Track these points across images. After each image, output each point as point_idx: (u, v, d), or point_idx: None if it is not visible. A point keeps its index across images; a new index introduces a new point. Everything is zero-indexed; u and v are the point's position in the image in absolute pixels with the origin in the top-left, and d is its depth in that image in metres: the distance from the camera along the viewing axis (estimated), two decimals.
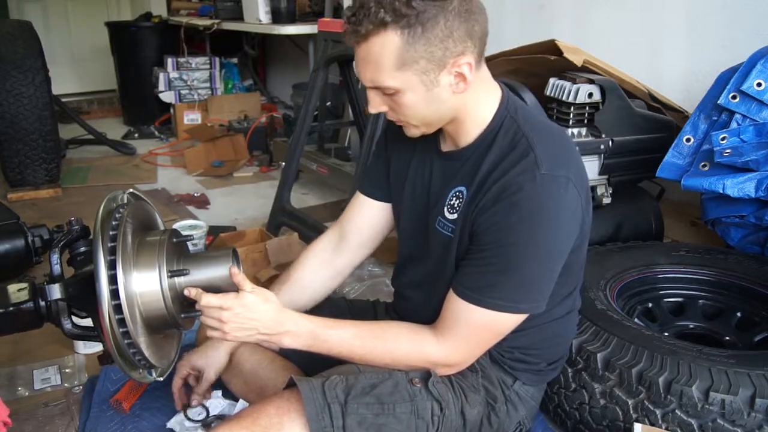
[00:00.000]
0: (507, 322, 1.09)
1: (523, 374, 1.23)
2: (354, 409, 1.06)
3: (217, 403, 1.44)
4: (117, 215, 1.07)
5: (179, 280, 1.09)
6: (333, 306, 1.42)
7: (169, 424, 1.43)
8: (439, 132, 1.19)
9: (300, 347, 1.13)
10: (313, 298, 1.38)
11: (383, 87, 1.04)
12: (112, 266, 1.00)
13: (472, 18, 1.00)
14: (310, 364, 1.40)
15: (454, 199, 1.14)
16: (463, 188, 1.12)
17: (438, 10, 0.97)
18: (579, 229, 1.10)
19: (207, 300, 1.07)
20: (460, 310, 1.08)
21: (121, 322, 1.01)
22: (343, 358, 1.14)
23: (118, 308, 1.01)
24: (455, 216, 1.13)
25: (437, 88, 1.04)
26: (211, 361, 1.37)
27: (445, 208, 1.15)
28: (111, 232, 1.03)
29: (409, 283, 1.31)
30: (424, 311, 1.21)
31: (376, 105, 1.09)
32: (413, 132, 1.13)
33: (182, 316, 1.11)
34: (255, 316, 1.09)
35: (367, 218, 1.36)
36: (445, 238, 1.15)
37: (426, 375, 1.14)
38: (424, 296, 1.25)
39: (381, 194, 1.35)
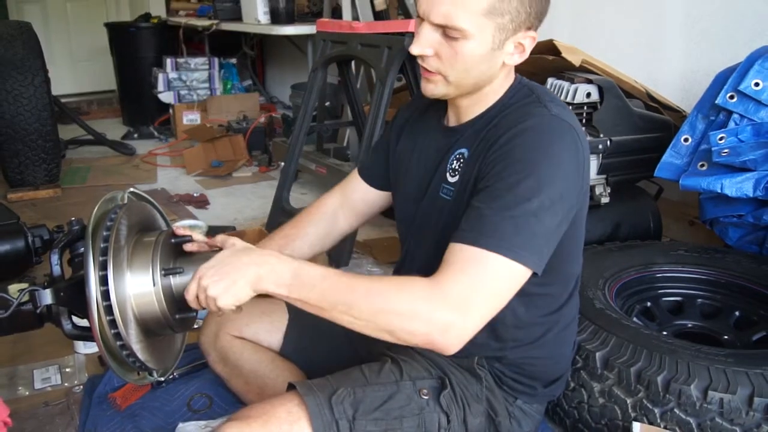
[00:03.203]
0: (507, 269, 0.94)
1: (522, 396, 1.21)
2: (362, 426, 1.04)
3: None
4: (112, 216, 1.06)
5: (175, 282, 1.08)
6: None
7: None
8: (444, 110, 1.19)
9: (281, 289, 0.98)
10: (311, 252, 1.38)
11: (455, 27, 0.97)
12: (103, 268, 0.99)
13: (549, 3, 1.03)
14: (311, 365, 1.40)
15: (455, 162, 1.12)
16: (464, 150, 1.11)
17: None
18: (580, 189, 1.04)
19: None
20: (456, 251, 0.96)
21: (113, 324, 1.00)
22: (324, 304, 0.96)
23: (109, 310, 1.00)
24: (456, 179, 1.11)
25: (499, 51, 1.02)
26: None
27: (447, 173, 1.13)
28: (104, 233, 1.02)
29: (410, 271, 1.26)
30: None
31: (424, 44, 1.01)
32: (437, 90, 1.07)
33: (177, 316, 1.10)
34: (231, 266, 0.99)
35: (363, 196, 1.38)
36: (446, 204, 1.13)
37: (436, 386, 1.13)
38: (416, 267, 1.21)
39: (377, 183, 1.37)
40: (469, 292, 0.93)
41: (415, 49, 1.02)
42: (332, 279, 0.96)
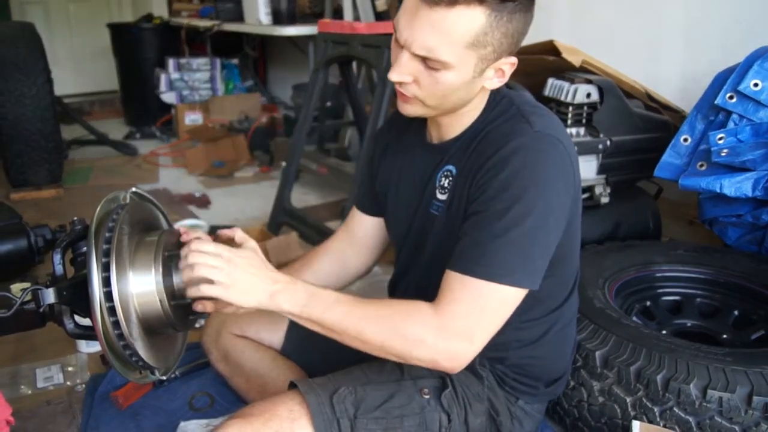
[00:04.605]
0: (504, 294, 0.99)
1: (524, 396, 1.22)
2: (363, 425, 1.05)
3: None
4: (114, 215, 1.06)
5: (177, 280, 1.09)
6: None
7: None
8: (424, 127, 1.18)
9: (295, 308, 1.02)
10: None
11: (437, 59, 0.95)
12: (105, 267, 0.99)
13: (530, 22, 1.01)
14: (312, 364, 1.41)
15: (444, 179, 1.12)
16: (452, 167, 1.11)
17: (528, 5, 0.97)
18: (571, 200, 1.05)
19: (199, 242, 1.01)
20: (454, 281, 1.00)
21: (116, 324, 1.00)
22: (336, 328, 1.01)
23: (112, 310, 1.00)
24: (446, 196, 1.12)
25: (479, 78, 1.01)
26: None
27: (437, 190, 1.14)
28: (107, 234, 1.03)
29: (407, 288, 1.29)
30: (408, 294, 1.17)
31: (404, 72, 0.99)
32: (414, 111, 1.06)
33: (179, 316, 1.10)
34: (255, 268, 1.02)
35: (366, 229, 1.37)
36: (437, 219, 1.14)
37: (437, 385, 1.13)
38: (413, 283, 1.24)
39: (375, 211, 1.35)
40: (472, 323, 0.98)
41: (394, 76, 1.00)
42: (345, 305, 1.00)
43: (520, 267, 0.98)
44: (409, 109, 1.06)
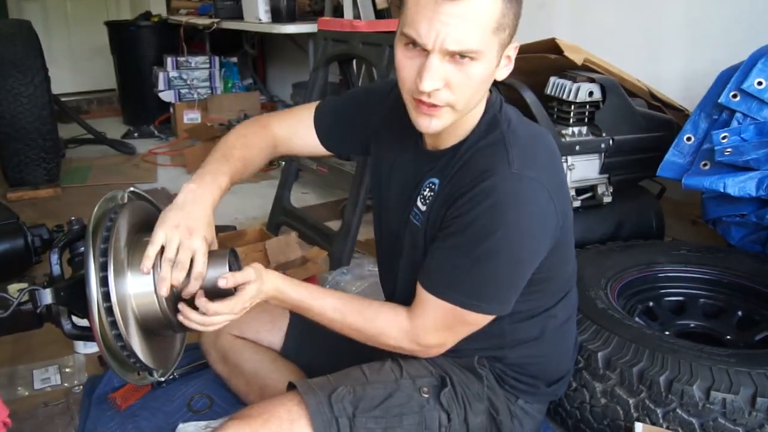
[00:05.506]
0: (474, 317, 1.07)
1: (524, 395, 1.22)
2: (362, 423, 1.06)
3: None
4: (112, 215, 1.06)
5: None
6: None
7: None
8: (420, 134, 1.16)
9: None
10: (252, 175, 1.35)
11: (468, 51, 0.93)
12: (103, 268, 0.99)
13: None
14: (311, 364, 1.40)
15: (427, 190, 1.13)
16: (436, 180, 1.11)
17: None
18: (551, 238, 1.06)
19: (214, 309, 1.04)
20: (426, 298, 1.07)
21: (113, 324, 1.00)
22: (326, 328, 1.17)
23: (109, 311, 0.99)
24: (425, 208, 1.12)
25: (495, 68, 1.00)
26: (194, 222, 1.09)
27: (419, 199, 1.14)
28: (105, 234, 1.02)
29: (387, 282, 1.32)
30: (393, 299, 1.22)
31: (437, 77, 0.95)
32: (440, 124, 1.02)
33: (178, 316, 1.09)
34: (255, 299, 1.09)
35: (309, 146, 1.34)
36: (415, 229, 1.14)
37: (436, 384, 1.14)
38: (395, 287, 1.25)
39: (330, 144, 1.33)
40: (442, 337, 1.11)
41: (428, 85, 0.95)
42: (330, 315, 1.14)
43: (489, 297, 1.05)
44: (436, 124, 1.02)
